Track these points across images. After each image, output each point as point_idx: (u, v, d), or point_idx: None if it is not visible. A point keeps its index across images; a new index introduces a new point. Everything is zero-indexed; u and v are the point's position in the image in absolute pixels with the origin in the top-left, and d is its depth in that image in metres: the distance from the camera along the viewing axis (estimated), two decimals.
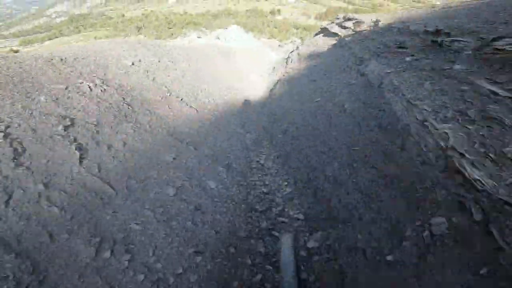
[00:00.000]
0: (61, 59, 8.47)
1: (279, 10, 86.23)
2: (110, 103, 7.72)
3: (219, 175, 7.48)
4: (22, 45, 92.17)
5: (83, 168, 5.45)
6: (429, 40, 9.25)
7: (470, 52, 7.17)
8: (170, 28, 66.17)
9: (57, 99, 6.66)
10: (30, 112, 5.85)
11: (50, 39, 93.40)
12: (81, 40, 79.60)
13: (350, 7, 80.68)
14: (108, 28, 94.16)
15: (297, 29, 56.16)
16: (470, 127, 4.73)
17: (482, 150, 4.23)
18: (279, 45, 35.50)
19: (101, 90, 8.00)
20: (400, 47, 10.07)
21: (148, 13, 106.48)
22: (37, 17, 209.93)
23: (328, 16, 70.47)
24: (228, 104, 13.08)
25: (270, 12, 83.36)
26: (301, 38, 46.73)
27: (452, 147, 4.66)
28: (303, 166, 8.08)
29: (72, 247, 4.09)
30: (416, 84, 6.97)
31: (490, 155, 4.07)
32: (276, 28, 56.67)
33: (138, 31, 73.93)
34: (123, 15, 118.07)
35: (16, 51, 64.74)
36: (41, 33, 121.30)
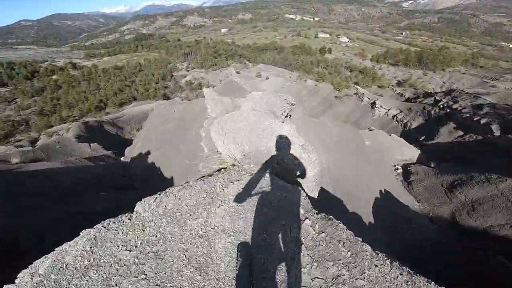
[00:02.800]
0: None
1: (330, 49, 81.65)
2: None
3: None
4: (84, 58, 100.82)
5: None
6: None
7: None
8: (215, 58, 65.19)
9: None
10: None
11: (109, 55, 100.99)
12: (134, 59, 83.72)
13: (412, 49, 72.74)
14: (160, 51, 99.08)
15: (351, 71, 49.87)
16: None
17: None
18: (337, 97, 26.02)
19: None
20: None
21: (201, 39, 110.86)
22: (111, 32, 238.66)
23: (388, 59, 63.45)
24: None
25: (320, 51, 79.05)
26: (356, 83, 40.13)
27: None
28: None
29: None
30: None
31: None
32: (326, 69, 51.12)
33: (186, 57, 74.91)
34: (179, 40, 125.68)
35: (74, 64, 67.51)
36: (107, 48, 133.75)
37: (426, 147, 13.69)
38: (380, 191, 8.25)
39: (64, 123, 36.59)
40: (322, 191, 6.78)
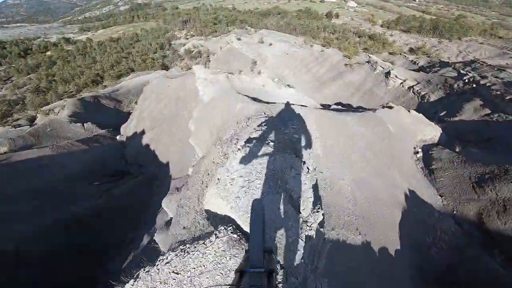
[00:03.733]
0: None
1: (337, 14, 75.76)
2: None
3: None
4: (78, 32, 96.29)
5: None
6: None
7: None
8: (216, 24, 61.20)
9: None
10: None
11: (104, 27, 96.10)
12: (131, 30, 79.52)
13: (427, 17, 67.05)
14: (158, 20, 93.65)
15: (360, 37, 46.19)
16: None
17: None
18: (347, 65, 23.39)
19: None
20: None
21: (199, 6, 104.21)
22: (105, 4, 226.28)
23: (399, 25, 58.75)
24: None
25: (326, 15, 73.43)
26: (365, 49, 37.29)
27: None
28: None
29: None
30: None
31: None
32: (333, 34, 47.41)
33: (184, 25, 70.69)
34: (177, 8, 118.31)
35: (68, 39, 64.65)
36: (101, 21, 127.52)
37: (447, 124, 12.26)
38: (406, 193, 7.09)
39: (61, 99, 35.50)
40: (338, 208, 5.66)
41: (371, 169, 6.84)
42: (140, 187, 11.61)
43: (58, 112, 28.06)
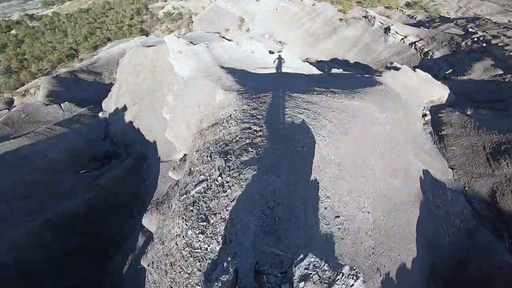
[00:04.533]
0: None
1: None
2: None
3: None
4: (42, 7, 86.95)
5: None
6: None
7: None
8: None
9: None
10: None
11: None
12: None
13: None
14: None
15: None
16: None
17: None
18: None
19: None
20: None
21: None
22: None
23: None
24: None
25: None
26: (359, 2, 34.44)
27: None
28: None
29: None
30: None
31: None
32: None
33: None
34: None
35: (32, 15, 58.59)
36: None
37: (454, 83, 11.38)
38: (421, 178, 6.39)
39: (36, 78, 33.15)
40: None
41: (389, 168, 5.99)
42: (129, 172, 10.85)
43: (35, 93, 26.20)
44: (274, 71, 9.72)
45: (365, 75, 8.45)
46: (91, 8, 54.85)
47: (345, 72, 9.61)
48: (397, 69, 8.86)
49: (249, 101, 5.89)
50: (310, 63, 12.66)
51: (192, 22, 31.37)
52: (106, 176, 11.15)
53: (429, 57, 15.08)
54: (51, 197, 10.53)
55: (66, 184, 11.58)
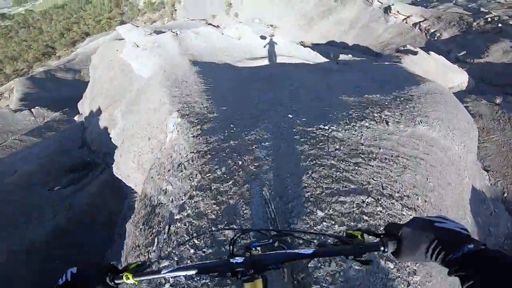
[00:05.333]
0: None
1: None
2: None
3: None
4: (14, 5, 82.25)
5: None
6: None
7: None
8: None
9: None
10: None
11: None
12: None
13: None
14: None
15: None
16: None
17: None
18: None
19: None
20: None
21: None
22: None
23: None
24: None
25: None
26: None
27: None
28: None
29: None
30: None
31: None
32: None
33: None
34: None
35: (3, 14, 55.47)
36: None
37: (472, 66, 10.16)
38: (465, 190, 5.10)
39: (11, 80, 31.08)
40: None
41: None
42: (107, 187, 9.47)
43: (9, 96, 24.35)
44: (266, 61, 8.11)
45: (385, 63, 6.82)
46: (67, 4, 51.70)
47: (355, 58, 8.05)
48: (414, 53, 7.47)
49: (217, 159, 3.10)
50: (305, 47, 11.11)
51: (176, 10, 29.28)
52: (81, 193, 9.77)
53: (435, 38, 13.73)
54: (20, 221, 9.24)
55: (36, 203, 10.25)
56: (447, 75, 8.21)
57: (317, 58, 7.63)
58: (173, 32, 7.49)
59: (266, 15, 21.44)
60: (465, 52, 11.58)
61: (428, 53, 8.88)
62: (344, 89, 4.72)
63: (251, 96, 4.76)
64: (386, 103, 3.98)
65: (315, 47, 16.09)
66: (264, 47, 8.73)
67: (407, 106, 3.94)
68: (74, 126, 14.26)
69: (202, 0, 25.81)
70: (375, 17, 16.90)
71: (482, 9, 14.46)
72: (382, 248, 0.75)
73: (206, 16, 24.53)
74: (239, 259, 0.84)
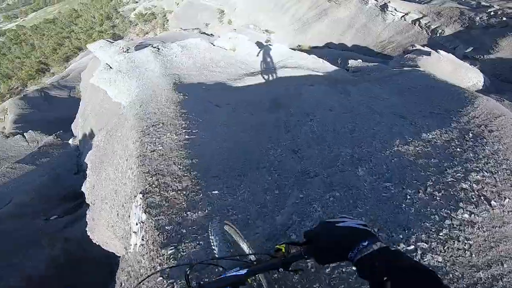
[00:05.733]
0: None
1: None
2: None
3: None
4: (5, 21, 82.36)
5: None
6: None
7: None
8: None
9: None
10: None
11: (34, 10, 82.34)
12: (66, 7, 68.29)
13: None
14: None
15: None
16: None
17: None
18: None
19: None
20: None
21: None
22: None
23: None
24: None
25: None
26: None
27: None
28: None
29: None
30: None
31: None
32: None
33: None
34: None
35: None
36: (29, 3, 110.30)
37: (483, 63, 9.62)
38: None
39: (5, 100, 30.63)
40: None
41: None
42: None
43: (4, 118, 23.86)
44: (268, 75, 7.29)
45: (404, 68, 6.06)
46: (58, 18, 51.35)
47: (367, 63, 7.33)
48: (427, 53, 6.89)
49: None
50: (303, 51, 10.45)
51: (168, 20, 28.82)
52: (76, 224, 9.19)
53: (437, 35, 13.20)
54: (16, 255, 8.73)
55: (32, 235, 9.72)
56: (463, 75, 7.64)
57: (326, 66, 6.90)
58: (154, 48, 6.58)
59: (260, 21, 21.01)
60: (472, 48, 11.06)
61: (437, 51, 8.33)
62: (383, 130, 3.52)
63: (259, 165, 3.40)
64: (459, 150, 2.64)
65: (313, 50, 15.59)
66: (264, 56, 8.03)
67: (486, 150, 2.56)
68: (69, 151, 13.71)
69: (193, 9, 25.38)
70: (372, 16, 16.41)
71: (483, 3, 13.92)
72: (303, 255, 0.81)
73: (199, 25, 24.07)
74: None
